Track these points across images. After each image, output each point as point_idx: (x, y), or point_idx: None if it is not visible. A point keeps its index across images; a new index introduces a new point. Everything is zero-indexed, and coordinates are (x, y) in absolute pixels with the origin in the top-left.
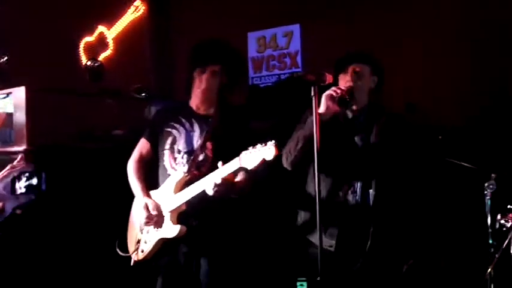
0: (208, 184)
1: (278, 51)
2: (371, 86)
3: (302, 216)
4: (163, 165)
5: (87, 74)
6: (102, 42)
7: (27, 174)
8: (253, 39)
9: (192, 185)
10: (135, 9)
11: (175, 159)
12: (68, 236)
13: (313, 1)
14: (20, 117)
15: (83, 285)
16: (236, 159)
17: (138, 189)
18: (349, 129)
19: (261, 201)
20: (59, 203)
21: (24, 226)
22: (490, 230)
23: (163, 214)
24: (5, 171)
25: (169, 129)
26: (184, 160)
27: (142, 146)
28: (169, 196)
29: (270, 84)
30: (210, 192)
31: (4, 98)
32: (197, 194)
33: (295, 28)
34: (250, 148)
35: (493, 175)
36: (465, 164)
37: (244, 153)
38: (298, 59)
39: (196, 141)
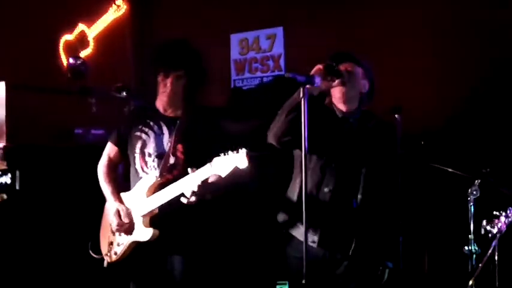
0: (184, 189)
1: (261, 54)
2: (362, 90)
3: (285, 211)
4: (135, 169)
5: (69, 72)
6: (82, 41)
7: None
8: (236, 41)
9: (165, 188)
10: (117, 8)
11: (146, 163)
12: (44, 235)
13: (296, 4)
14: (0, 113)
15: (56, 286)
16: (208, 166)
17: (108, 193)
18: (337, 128)
19: (241, 200)
20: (36, 202)
21: None
22: (472, 236)
23: (135, 220)
24: None
25: (138, 133)
26: (156, 164)
27: (110, 150)
28: (142, 200)
29: (252, 86)
30: (188, 197)
31: None
32: (171, 199)
33: (279, 31)
34: (222, 154)
35: (476, 181)
36: (449, 169)
37: (216, 160)
38: (281, 61)
39: (166, 144)
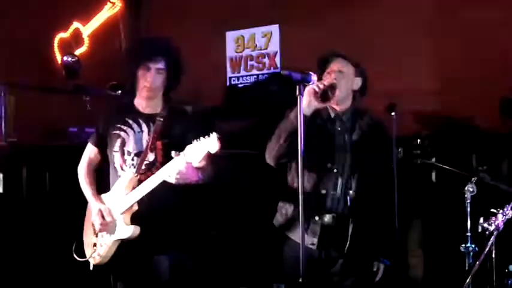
0: (159, 180)
1: (257, 52)
2: (354, 88)
3: (283, 214)
4: (114, 167)
5: (64, 70)
6: (77, 39)
7: None
8: (232, 38)
9: (142, 184)
10: (112, 6)
11: (125, 161)
12: (33, 236)
13: (292, 2)
14: None
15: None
16: (181, 155)
17: (89, 194)
18: (331, 128)
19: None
20: (28, 200)
21: None
22: (469, 234)
23: (115, 218)
24: None
25: (116, 132)
26: (134, 162)
27: (90, 150)
28: (121, 197)
29: (248, 84)
30: (172, 180)
31: None
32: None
33: (274, 28)
34: (194, 141)
35: (473, 179)
36: (445, 167)
37: (188, 147)
38: (277, 59)
39: (145, 142)
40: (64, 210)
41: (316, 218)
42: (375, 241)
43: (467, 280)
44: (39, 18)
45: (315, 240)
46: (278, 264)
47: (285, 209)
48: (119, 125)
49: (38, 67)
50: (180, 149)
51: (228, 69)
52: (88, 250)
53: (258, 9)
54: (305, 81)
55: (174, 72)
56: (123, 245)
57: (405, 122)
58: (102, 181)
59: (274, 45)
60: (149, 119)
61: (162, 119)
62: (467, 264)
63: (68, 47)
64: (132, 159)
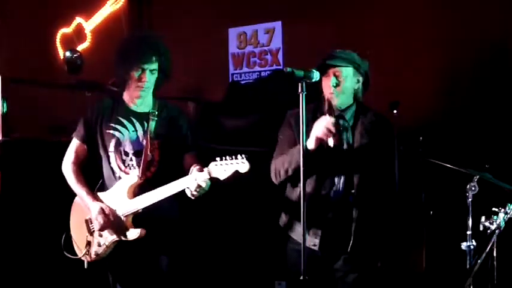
0: (175, 191)
1: (259, 48)
2: (355, 86)
3: (285, 214)
4: (111, 168)
5: (66, 66)
6: (79, 34)
7: None
8: (234, 35)
9: (154, 191)
10: (114, 2)
11: (123, 161)
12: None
13: None
14: None
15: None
16: (205, 170)
17: (83, 193)
18: (334, 125)
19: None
20: (28, 196)
21: None
22: (470, 232)
23: (118, 219)
24: None
25: (110, 131)
26: (134, 162)
27: (77, 147)
28: (123, 200)
29: (250, 81)
30: (189, 194)
31: None
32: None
33: (277, 25)
34: (218, 159)
35: (475, 177)
36: (447, 165)
37: (213, 165)
38: (280, 56)
39: (142, 141)
40: (64, 206)
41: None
42: (377, 239)
43: (469, 279)
44: (42, 13)
45: (317, 241)
46: (280, 262)
47: (287, 210)
48: (112, 125)
49: (40, 62)
50: (177, 146)
51: (231, 65)
52: (81, 248)
53: (261, 5)
54: (307, 79)
55: (166, 71)
56: (123, 245)
57: (407, 120)
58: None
59: (277, 42)
60: (141, 117)
61: (156, 117)
62: (468, 263)
63: (70, 43)
64: (131, 160)
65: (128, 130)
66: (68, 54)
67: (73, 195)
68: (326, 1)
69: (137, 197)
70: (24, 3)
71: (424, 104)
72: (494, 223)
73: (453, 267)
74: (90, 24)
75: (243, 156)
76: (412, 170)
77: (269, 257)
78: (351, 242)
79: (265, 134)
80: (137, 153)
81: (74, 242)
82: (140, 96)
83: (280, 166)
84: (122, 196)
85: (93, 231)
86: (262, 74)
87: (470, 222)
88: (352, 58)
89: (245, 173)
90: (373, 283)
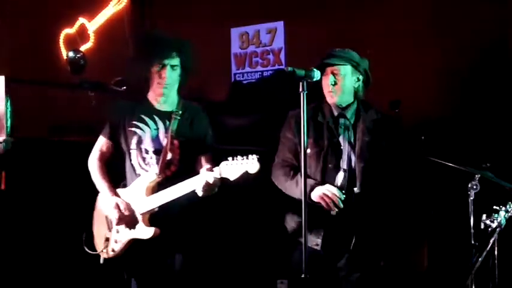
0: (188, 190)
1: (261, 48)
2: (355, 85)
3: (290, 216)
4: (132, 165)
5: (69, 66)
6: (82, 34)
7: None
8: (236, 35)
9: (168, 189)
10: (117, 2)
11: (144, 159)
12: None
13: None
14: (0, 107)
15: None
16: (216, 170)
17: (104, 187)
18: (335, 126)
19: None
20: (33, 195)
21: None
22: (472, 231)
23: (135, 216)
24: None
25: (133, 129)
26: (154, 160)
27: (102, 144)
28: (141, 198)
29: (253, 80)
30: (200, 192)
31: None
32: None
33: (279, 25)
34: (230, 159)
35: (476, 176)
36: (449, 164)
37: (224, 164)
38: (282, 56)
39: (163, 140)
40: (69, 204)
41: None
42: (380, 238)
43: (470, 277)
44: (46, 13)
45: (319, 241)
46: (282, 261)
47: (291, 213)
48: (134, 122)
49: (43, 62)
50: (196, 147)
51: (233, 65)
52: (99, 244)
53: (263, 5)
54: (308, 78)
55: (188, 67)
56: (138, 243)
57: (410, 118)
58: (112, 174)
59: (279, 42)
60: (164, 116)
61: (178, 117)
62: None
63: (73, 43)
64: (151, 158)
65: (150, 128)
66: (70, 54)
67: (77, 193)
68: (328, 1)
69: (152, 195)
70: (27, 3)
71: (425, 103)
72: (495, 221)
73: (455, 266)
74: (93, 24)
75: (254, 156)
76: (414, 169)
77: (271, 256)
78: (353, 240)
79: (266, 133)
80: (157, 152)
81: (94, 238)
82: (163, 94)
83: (281, 186)
84: (140, 193)
85: (111, 227)
86: (265, 73)
87: (472, 220)
88: (350, 56)
89: (255, 173)
90: (376, 282)
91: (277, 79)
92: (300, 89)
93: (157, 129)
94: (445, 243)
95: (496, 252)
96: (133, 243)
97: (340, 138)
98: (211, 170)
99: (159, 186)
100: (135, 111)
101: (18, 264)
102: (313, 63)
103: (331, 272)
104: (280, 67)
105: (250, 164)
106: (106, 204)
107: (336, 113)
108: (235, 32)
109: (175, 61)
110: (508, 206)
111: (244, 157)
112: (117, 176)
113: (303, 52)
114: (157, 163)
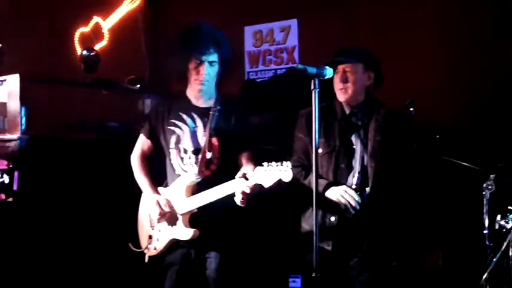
0: (227, 193)
1: (275, 46)
2: (366, 83)
3: (305, 217)
4: (171, 164)
5: (82, 64)
6: (97, 33)
7: None
8: (250, 33)
9: (208, 191)
10: (131, 0)
11: (182, 159)
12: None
13: None
14: (14, 105)
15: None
16: (251, 177)
17: (146, 185)
18: (346, 125)
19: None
20: (47, 193)
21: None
22: (487, 232)
23: (175, 216)
24: None
25: (171, 128)
26: (192, 160)
27: (143, 142)
28: (181, 199)
29: (266, 79)
30: (238, 201)
31: None
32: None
33: (293, 23)
34: (265, 165)
35: (491, 176)
36: (464, 164)
37: (259, 170)
38: (295, 54)
39: (201, 138)
40: (84, 203)
41: (332, 218)
42: (392, 238)
43: (484, 276)
44: (61, 13)
45: (330, 242)
46: (294, 257)
47: (306, 214)
48: (173, 121)
49: (58, 61)
50: (235, 144)
51: (247, 63)
52: (143, 242)
53: (276, 3)
54: (320, 76)
55: (226, 64)
56: (177, 242)
57: (424, 117)
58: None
59: (293, 40)
60: (203, 112)
61: (217, 113)
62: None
63: (88, 41)
64: (190, 158)
65: (188, 126)
66: (84, 52)
67: (92, 192)
68: None
69: (192, 197)
70: (43, 3)
71: (440, 102)
72: (510, 222)
73: (470, 266)
74: (107, 23)
75: (289, 163)
76: (428, 168)
77: (283, 252)
78: (365, 241)
79: (279, 132)
80: (196, 151)
81: (139, 235)
82: (201, 90)
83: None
84: (179, 194)
85: (154, 225)
86: (278, 72)
87: (486, 221)
88: (361, 54)
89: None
90: (387, 282)
91: (289, 77)
92: (312, 87)
93: (196, 127)
94: (459, 244)
95: (510, 253)
96: (174, 243)
97: (352, 138)
98: (245, 177)
99: (200, 186)
100: (174, 108)
101: (31, 266)
102: (326, 61)
103: (343, 271)
104: (294, 65)
105: (284, 172)
106: (148, 202)
107: (347, 112)
108: (248, 30)
109: (213, 57)
110: None
111: (279, 163)
112: (161, 174)
113: (317, 50)
114: (196, 163)
